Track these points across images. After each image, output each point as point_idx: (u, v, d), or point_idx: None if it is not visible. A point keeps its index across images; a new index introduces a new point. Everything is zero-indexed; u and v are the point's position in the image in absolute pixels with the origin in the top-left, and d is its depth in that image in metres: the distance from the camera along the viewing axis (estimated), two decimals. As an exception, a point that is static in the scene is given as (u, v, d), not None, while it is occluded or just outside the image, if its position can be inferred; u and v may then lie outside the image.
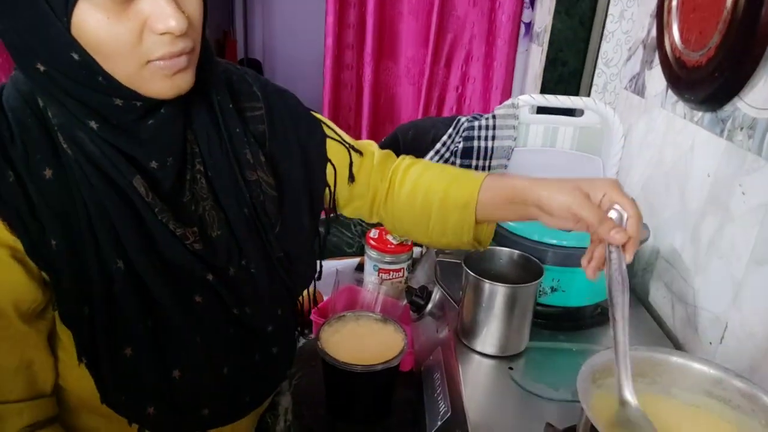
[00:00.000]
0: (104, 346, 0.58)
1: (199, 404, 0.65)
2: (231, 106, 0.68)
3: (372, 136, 1.99)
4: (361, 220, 1.23)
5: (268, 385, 0.77)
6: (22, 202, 0.54)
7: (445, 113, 1.96)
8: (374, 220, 0.84)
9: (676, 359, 0.58)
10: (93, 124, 0.56)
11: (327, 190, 0.78)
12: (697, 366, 0.57)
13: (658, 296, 0.92)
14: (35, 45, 0.52)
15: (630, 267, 0.63)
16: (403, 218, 0.79)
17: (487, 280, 0.74)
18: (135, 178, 0.58)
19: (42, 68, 0.53)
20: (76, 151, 0.57)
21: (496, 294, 0.74)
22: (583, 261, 0.61)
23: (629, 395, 0.53)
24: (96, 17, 0.50)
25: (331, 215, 0.83)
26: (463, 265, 0.77)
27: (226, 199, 0.67)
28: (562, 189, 0.62)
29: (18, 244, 0.54)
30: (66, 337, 0.58)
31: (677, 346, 0.83)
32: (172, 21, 0.51)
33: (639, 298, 0.96)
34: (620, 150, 1.10)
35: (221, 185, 0.67)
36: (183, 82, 0.57)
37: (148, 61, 0.54)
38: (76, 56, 0.52)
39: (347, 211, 0.83)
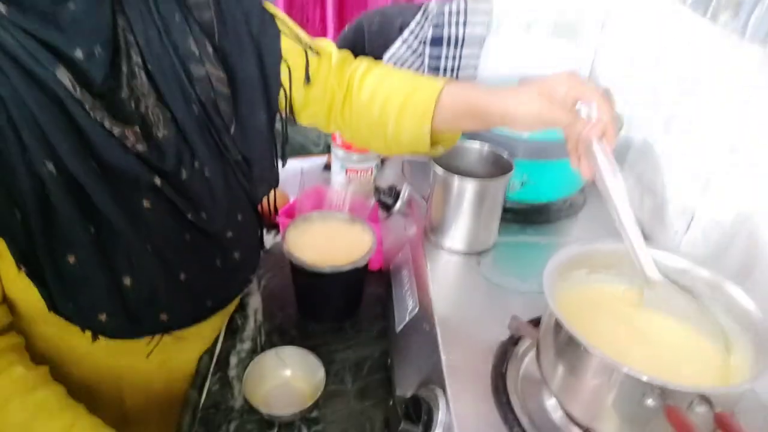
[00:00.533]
0: (45, 254, 0.55)
1: (156, 310, 0.64)
2: None
3: (338, 30, 1.85)
4: (326, 116, 1.17)
5: (231, 290, 0.76)
6: None
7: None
8: (331, 130, 0.79)
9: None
10: (2, 8, 0.49)
11: (282, 91, 0.72)
12: (662, 257, 0.57)
13: (628, 187, 0.91)
14: None
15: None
16: (360, 127, 0.75)
17: (456, 175, 0.71)
18: (58, 70, 0.52)
19: None
20: None
21: (465, 189, 0.72)
22: (572, 163, 0.59)
23: (652, 273, 0.54)
24: None
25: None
26: (430, 161, 0.74)
27: (171, 96, 0.62)
28: (526, 98, 0.60)
29: None
30: (4, 247, 0.54)
31: (645, 236, 0.84)
32: None
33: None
34: (597, 37, 1.04)
35: (164, 80, 0.61)
36: None
37: None
38: None
39: (303, 117, 0.78)
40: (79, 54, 0.53)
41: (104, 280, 0.59)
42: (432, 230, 0.78)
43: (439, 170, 0.72)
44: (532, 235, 0.82)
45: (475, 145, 0.79)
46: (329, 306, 0.82)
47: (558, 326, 0.51)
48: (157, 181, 0.61)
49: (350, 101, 0.75)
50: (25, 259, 0.54)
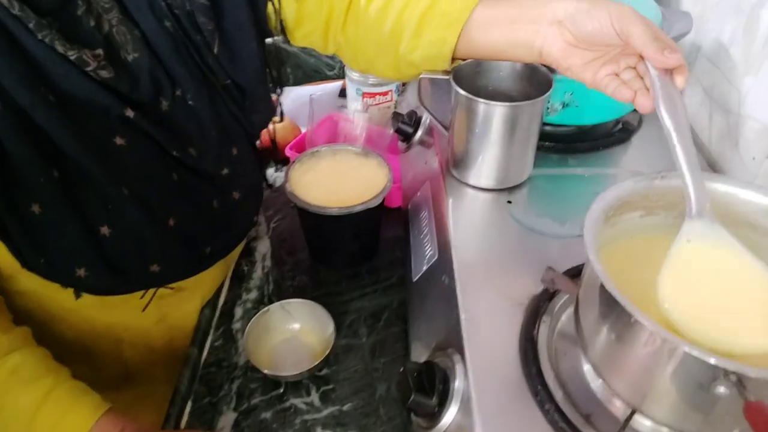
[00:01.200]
0: (5, 205, 0.49)
1: (146, 261, 0.57)
2: None
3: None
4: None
5: (234, 233, 0.69)
6: None
7: None
8: (330, 51, 0.67)
9: (720, 186, 0.45)
10: None
11: (270, 4, 0.61)
12: (743, 194, 0.45)
13: (692, 104, 0.77)
14: None
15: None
16: (367, 44, 0.62)
17: (481, 99, 0.59)
18: None
19: None
20: None
21: (493, 116, 0.60)
22: (626, 96, 0.47)
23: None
24: None
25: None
26: (451, 81, 0.61)
27: (137, 9, 0.53)
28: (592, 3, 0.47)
29: None
30: None
31: (711, 162, 0.70)
32: None
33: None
34: None
35: None
36: None
37: None
38: None
39: (297, 37, 0.66)
40: None
41: (77, 231, 0.52)
42: (455, 164, 0.67)
43: (462, 93, 0.60)
44: (574, 166, 0.69)
45: (505, 60, 0.65)
46: (342, 251, 0.74)
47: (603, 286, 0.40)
48: (130, 113, 0.53)
49: (355, 14, 0.62)
50: None
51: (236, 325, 0.69)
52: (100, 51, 0.51)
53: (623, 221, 0.46)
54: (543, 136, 0.67)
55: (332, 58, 1.07)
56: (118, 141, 0.53)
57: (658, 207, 0.47)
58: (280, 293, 0.72)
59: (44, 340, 0.55)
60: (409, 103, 0.95)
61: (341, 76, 1.06)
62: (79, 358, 0.59)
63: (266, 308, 0.65)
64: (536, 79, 0.64)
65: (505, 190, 0.65)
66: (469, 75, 0.65)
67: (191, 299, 0.69)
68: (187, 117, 0.58)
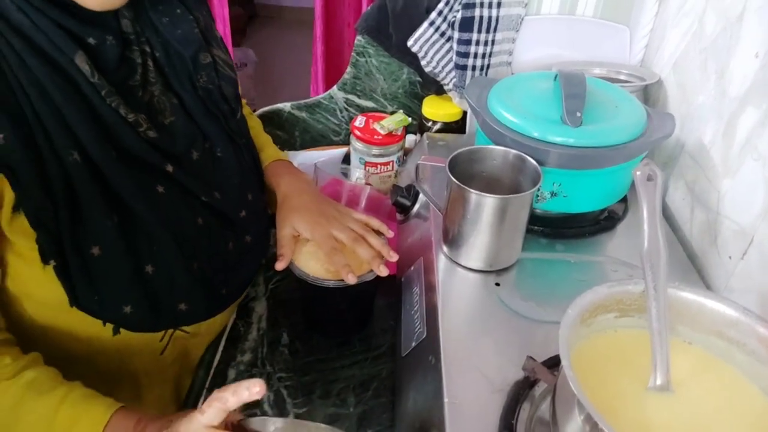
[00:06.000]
0: (71, 246, 0.54)
1: (175, 300, 0.62)
2: None
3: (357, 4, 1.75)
4: (347, 103, 1.10)
5: (243, 277, 0.74)
6: None
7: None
8: None
9: (688, 296, 0.49)
10: None
11: None
12: (710, 305, 0.48)
13: (676, 197, 0.81)
14: None
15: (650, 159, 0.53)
16: None
17: (473, 191, 0.63)
18: (77, 55, 0.52)
19: None
20: (4, 28, 0.50)
21: (484, 205, 0.64)
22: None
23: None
24: None
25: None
26: (446, 169, 0.66)
27: (178, 83, 0.63)
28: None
29: None
30: (22, 241, 0.54)
31: (691, 255, 0.74)
32: None
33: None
34: (653, 18, 0.91)
35: (170, 68, 0.62)
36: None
37: None
38: None
39: None
40: (92, 41, 0.54)
41: (128, 270, 0.58)
42: (447, 243, 0.71)
43: (454, 182, 0.64)
44: (561, 251, 0.73)
45: (499, 150, 0.70)
46: (336, 321, 0.77)
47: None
48: (170, 168, 0.61)
49: None
50: (53, 252, 0.53)
51: (228, 388, 0.71)
52: (144, 115, 0.59)
53: (598, 321, 0.49)
54: (532, 220, 0.70)
55: (338, 125, 1.12)
56: (159, 189, 0.60)
57: (632, 310, 0.50)
58: (273, 357, 0.75)
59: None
60: (410, 173, 1.00)
61: (347, 142, 1.11)
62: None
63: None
64: (527, 170, 0.68)
65: (494, 272, 0.69)
66: (465, 161, 0.69)
67: (201, 345, 0.74)
68: (214, 165, 0.67)
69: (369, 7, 1.01)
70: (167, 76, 0.62)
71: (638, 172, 0.50)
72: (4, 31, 0.49)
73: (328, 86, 1.84)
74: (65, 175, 0.53)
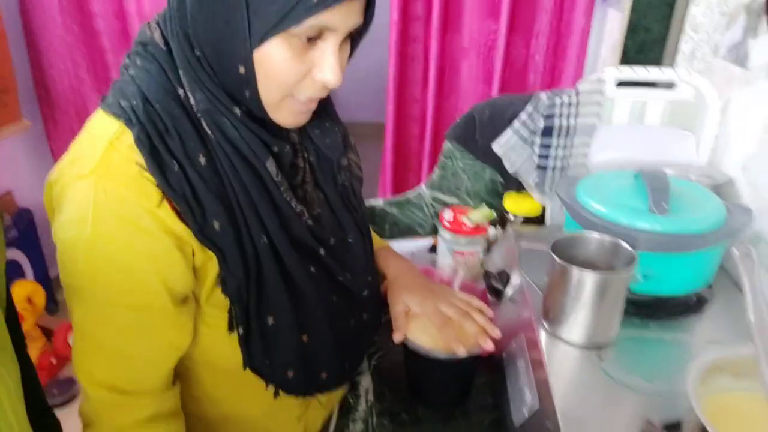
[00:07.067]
0: (254, 317, 0.65)
1: (320, 367, 0.72)
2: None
3: (437, 111, 1.95)
4: (434, 200, 1.22)
5: (361, 351, 0.83)
6: (187, 189, 0.58)
7: (512, 86, 1.89)
8: None
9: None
10: (237, 111, 0.61)
11: None
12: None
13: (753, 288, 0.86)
14: (214, 41, 0.57)
15: (728, 250, 0.60)
16: None
17: (575, 266, 0.71)
18: (268, 160, 0.63)
19: (197, 53, 0.58)
20: (219, 135, 0.61)
21: (586, 281, 0.71)
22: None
23: None
24: (283, 53, 0.57)
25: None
26: (550, 251, 0.74)
27: (324, 181, 0.75)
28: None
29: (184, 234, 0.59)
30: (214, 312, 0.64)
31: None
32: (333, 76, 0.59)
33: (738, 283, 0.90)
34: (716, 126, 1.02)
35: (320, 170, 0.74)
36: (303, 120, 0.67)
37: (291, 96, 0.61)
38: (241, 69, 0.57)
39: None
40: (275, 149, 0.65)
41: (293, 338, 0.68)
42: (548, 320, 0.77)
43: (558, 261, 0.72)
44: (655, 330, 0.78)
45: (594, 236, 0.78)
46: (441, 392, 0.82)
47: (704, 438, 0.48)
48: (321, 251, 0.71)
49: None
50: (240, 323, 0.64)
51: (345, 454, 0.76)
52: (303, 207, 0.70)
53: (715, 382, 0.54)
54: (627, 302, 0.76)
55: (423, 218, 1.24)
56: (311, 269, 0.70)
57: (745, 374, 0.55)
58: (382, 426, 0.80)
59: None
60: (495, 262, 1.08)
61: (430, 233, 1.21)
62: None
63: None
64: (621, 254, 0.76)
65: (595, 347, 0.74)
66: (564, 246, 0.77)
67: (321, 416, 0.82)
68: (348, 250, 0.77)
69: (458, 120, 1.16)
70: (317, 175, 0.74)
71: (736, 251, 0.58)
72: (221, 141, 0.61)
73: (395, 189, 2.00)
74: (256, 255, 0.64)
